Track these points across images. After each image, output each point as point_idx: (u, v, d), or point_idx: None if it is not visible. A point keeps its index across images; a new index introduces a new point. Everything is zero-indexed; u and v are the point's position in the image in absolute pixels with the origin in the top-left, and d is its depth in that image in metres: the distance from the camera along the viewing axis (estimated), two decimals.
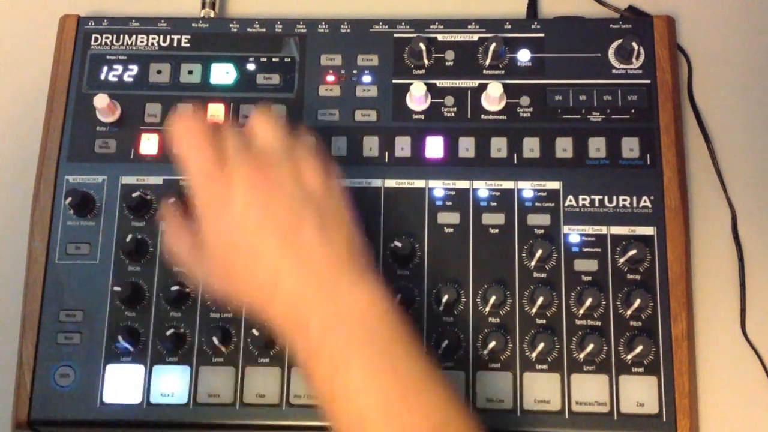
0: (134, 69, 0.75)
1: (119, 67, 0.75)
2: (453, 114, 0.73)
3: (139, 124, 0.74)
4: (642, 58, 0.74)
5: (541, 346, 0.65)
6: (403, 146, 0.73)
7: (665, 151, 0.71)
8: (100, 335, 0.68)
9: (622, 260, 0.68)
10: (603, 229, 0.70)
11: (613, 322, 0.68)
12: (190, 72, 0.75)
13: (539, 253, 0.68)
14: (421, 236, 0.70)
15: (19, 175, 0.76)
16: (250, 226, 0.58)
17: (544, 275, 0.69)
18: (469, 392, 0.67)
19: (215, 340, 0.67)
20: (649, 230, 0.70)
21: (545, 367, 0.67)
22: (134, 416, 0.67)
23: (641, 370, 0.67)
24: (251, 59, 0.76)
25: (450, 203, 0.71)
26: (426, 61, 0.75)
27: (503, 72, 0.74)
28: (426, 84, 0.73)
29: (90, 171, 0.72)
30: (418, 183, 0.71)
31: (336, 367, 0.55)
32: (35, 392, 0.67)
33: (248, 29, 0.77)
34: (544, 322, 0.68)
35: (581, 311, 0.68)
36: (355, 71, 0.75)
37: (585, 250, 0.69)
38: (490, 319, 0.68)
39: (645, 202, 0.70)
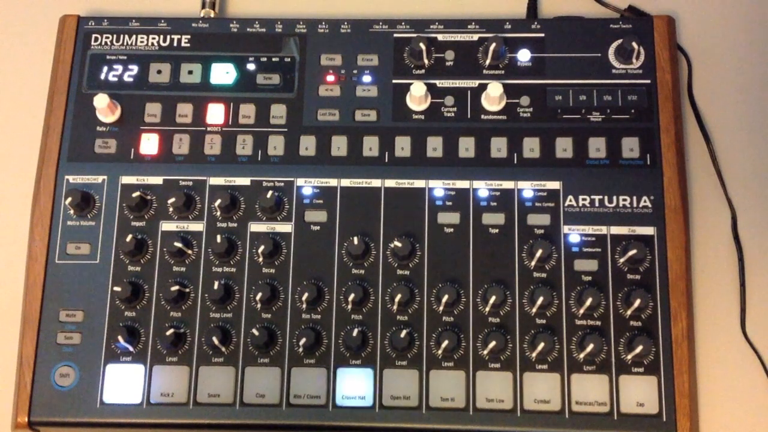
0: (134, 69, 0.75)
1: (119, 67, 0.75)
2: (453, 114, 0.73)
3: (139, 124, 0.74)
4: (642, 58, 0.74)
5: (541, 346, 0.65)
6: (403, 146, 0.73)
7: (665, 151, 0.71)
8: (100, 335, 0.69)
9: (622, 260, 0.68)
10: (603, 229, 0.70)
11: (613, 322, 0.68)
12: (190, 72, 0.75)
13: (539, 253, 0.68)
14: (421, 236, 0.70)
15: (19, 175, 0.76)
16: None
17: (544, 275, 0.69)
18: (469, 392, 0.67)
19: (215, 340, 0.67)
20: (649, 230, 0.70)
21: (545, 367, 0.67)
22: (134, 416, 0.67)
23: (641, 370, 0.67)
24: (251, 59, 0.76)
25: (450, 203, 0.71)
26: (426, 61, 0.75)
27: (503, 72, 0.74)
28: (426, 84, 0.73)
29: (90, 171, 0.72)
30: (418, 183, 0.71)
31: None
32: (35, 392, 0.67)
33: (248, 29, 0.77)
34: (544, 322, 0.68)
35: (581, 311, 0.68)
36: (355, 71, 0.75)
37: (585, 250, 0.69)
38: (490, 319, 0.68)
39: (645, 202, 0.70)
